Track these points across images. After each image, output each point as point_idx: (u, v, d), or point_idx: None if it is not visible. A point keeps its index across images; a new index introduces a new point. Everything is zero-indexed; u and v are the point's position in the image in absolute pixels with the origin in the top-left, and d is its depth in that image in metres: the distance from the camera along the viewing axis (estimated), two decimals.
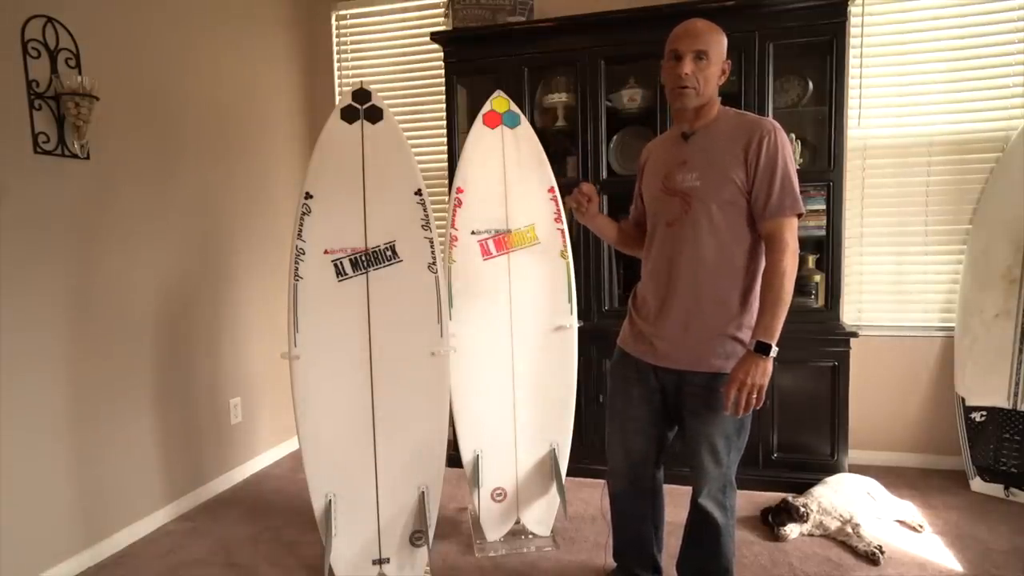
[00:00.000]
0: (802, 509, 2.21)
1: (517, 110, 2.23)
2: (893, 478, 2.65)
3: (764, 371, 1.42)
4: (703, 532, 1.66)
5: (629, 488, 1.78)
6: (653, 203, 1.64)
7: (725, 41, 1.52)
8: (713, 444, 1.57)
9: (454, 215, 2.18)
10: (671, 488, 1.69)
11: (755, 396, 1.43)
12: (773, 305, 1.45)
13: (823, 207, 2.53)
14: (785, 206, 1.46)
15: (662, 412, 1.68)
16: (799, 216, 1.49)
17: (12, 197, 1.91)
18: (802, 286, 2.64)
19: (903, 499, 2.44)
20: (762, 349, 1.42)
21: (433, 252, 1.95)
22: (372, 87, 1.94)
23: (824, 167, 2.54)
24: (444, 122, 2.93)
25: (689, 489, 1.67)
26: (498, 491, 2.24)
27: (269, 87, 3.12)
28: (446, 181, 3.01)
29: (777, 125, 1.50)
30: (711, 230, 1.51)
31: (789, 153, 1.48)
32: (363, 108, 1.93)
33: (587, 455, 2.58)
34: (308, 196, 1.88)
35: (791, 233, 1.47)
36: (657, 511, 1.81)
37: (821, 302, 2.60)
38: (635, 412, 1.70)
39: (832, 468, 2.55)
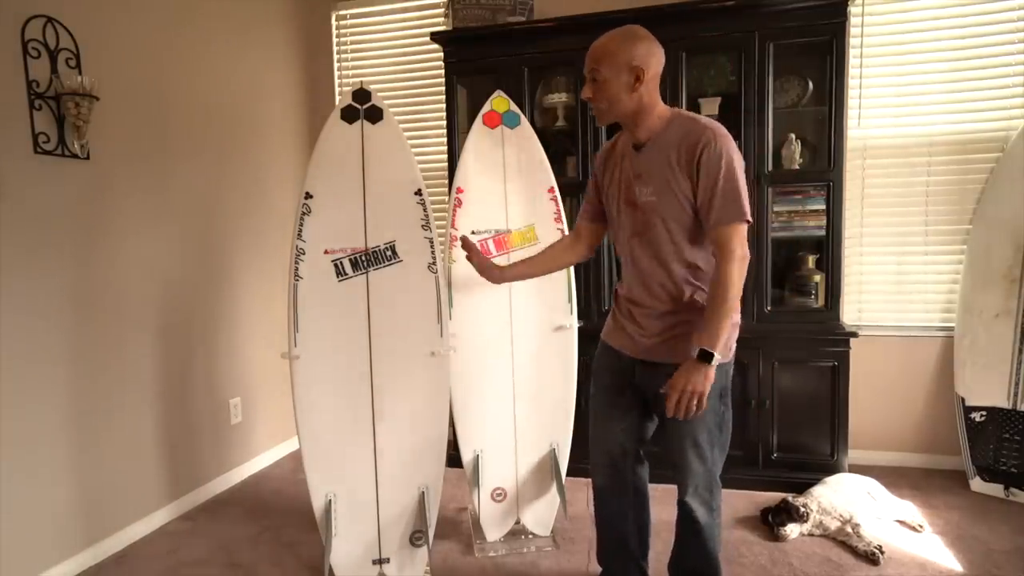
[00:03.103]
0: (802, 509, 2.21)
1: (517, 110, 2.23)
2: (893, 478, 2.65)
3: (706, 378, 1.42)
4: (688, 532, 1.67)
5: (611, 484, 1.79)
6: (618, 215, 1.64)
7: (629, 47, 1.47)
8: (696, 439, 1.57)
9: (454, 215, 2.18)
10: (665, 488, 1.69)
11: (695, 403, 1.43)
12: (716, 312, 1.43)
13: (823, 207, 2.53)
14: (727, 214, 1.43)
15: (641, 404, 1.69)
16: (747, 223, 1.45)
17: (12, 197, 1.91)
18: (802, 286, 2.65)
19: (903, 499, 2.44)
20: (705, 357, 1.42)
21: (433, 252, 1.95)
22: (372, 87, 1.94)
23: (824, 167, 2.54)
24: (444, 122, 2.93)
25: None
26: (498, 491, 2.24)
27: (269, 87, 3.12)
28: (446, 181, 3.01)
29: (720, 131, 1.45)
30: (671, 240, 1.53)
31: (733, 159, 1.44)
32: (363, 108, 1.93)
33: (587, 455, 2.56)
34: (308, 196, 1.88)
35: (738, 240, 1.44)
36: (640, 511, 1.80)
37: (821, 302, 2.60)
38: (615, 405, 1.71)
39: (832, 468, 2.55)
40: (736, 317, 1.55)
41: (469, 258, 1.84)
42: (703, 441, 1.57)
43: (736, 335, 1.59)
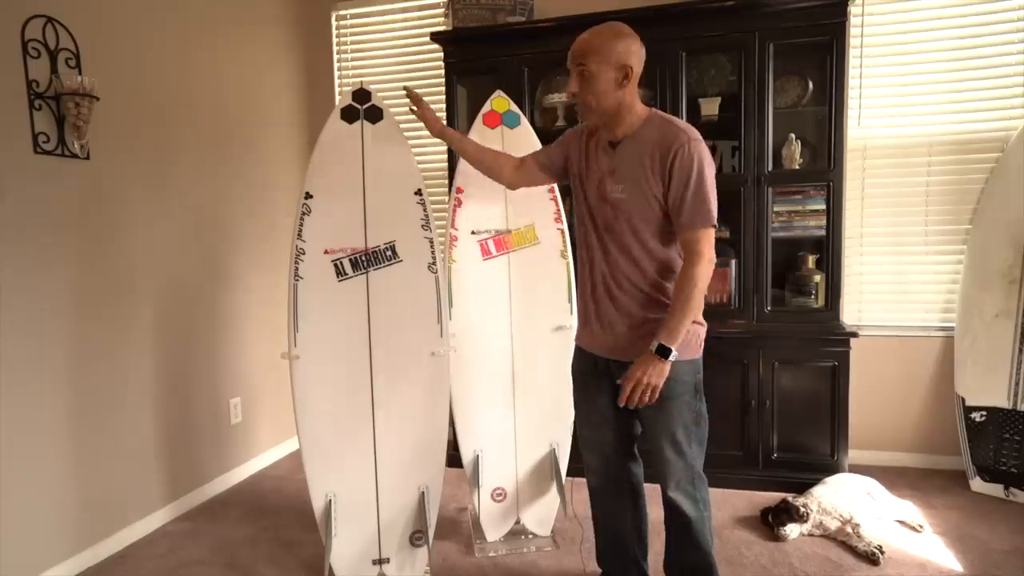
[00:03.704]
0: (802, 509, 2.21)
1: (517, 110, 2.24)
2: (893, 478, 2.65)
3: (661, 372, 1.46)
4: (677, 528, 1.67)
5: (605, 484, 1.80)
6: (588, 207, 1.65)
7: (618, 44, 1.49)
8: (673, 434, 1.58)
9: (454, 215, 2.18)
10: (652, 487, 1.70)
11: (647, 395, 1.47)
12: (680, 311, 1.47)
13: (823, 207, 2.54)
14: (697, 218, 1.47)
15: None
16: (714, 227, 1.49)
17: (12, 197, 1.91)
18: (802, 286, 2.65)
19: (903, 499, 2.44)
20: (662, 352, 1.45)
21: (433, 252, 1.96)
22: (372, 87, 1.95)
23: (824, 167, 2.54)
24: (444, 122, 2.93)
25: None
26: (498, 491, 2.24)
27: (269, 87, 3.12)
28: (446, 181, 3.01)
29: (695, 136, 1.49)
30: (639, 238, 1.55)
31: (705, 164, 1.47)
32: (363, 108, 1.93)
33: None
34: (308, 196, 1.88)
35: (706, 243, 1.48)
36: (637, 511, 1.81)
37: (821, 302, 2.60)
38: (599, 406, 1.72)
39: (832, 468, 2.55)
40: (701, 318, 1.57)
41: (414, 109, 1.86)
42: (680, 436, 1.59)
43: (704, 333, 1.61)
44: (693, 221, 1.48)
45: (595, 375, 1.70)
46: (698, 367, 1.60)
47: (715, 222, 1.50)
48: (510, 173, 1.85)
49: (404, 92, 1.88)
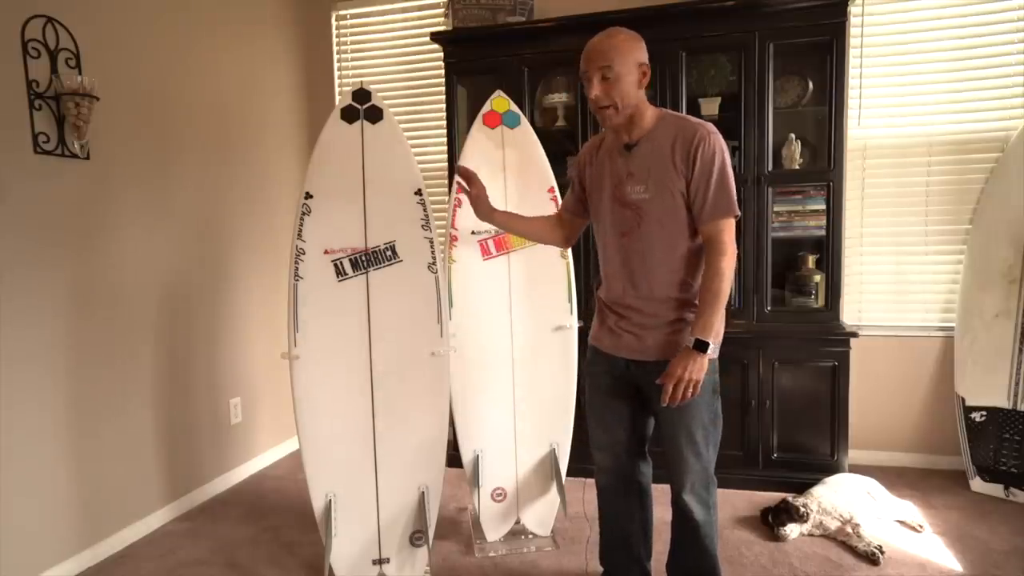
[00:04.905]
0: (802, 509, 2.21)
1: (517, 110, 2.23)
2: (893, 478, 2.65)
3: (700, 367, 1.47)
4: (685, 531, 1.67)
5: (615, 483, 1.80)
6: (605, 214, 1.65)
7: (637, 45, 1.51)
8: (692, 435, 1.58)
9: (454, 215, 2.18)
10: (665, 488, 1.70)
11: (690, 390, 1.47)
12: (711, 304, 1.48)
13: (823, 207, 2.53)
14: (720, 209, 1.49)
15: (638, 403, 1.69)
16: (736, 218, 1.52)
17: (12, 197, 1.91)
18: (802, 286, 2.65)
19: (903, 499, 2.44)
20: (700, 346, 1.46)
21: (433, 252, 1.96)
22: (372, 87, 1.95)
23: (824, 167, 2.54)
24: (444, 122, 2.93)
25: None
26: (498, 491, 2.24)
27: (269, 87, 3.12)
28: (446, 181, 3.01)
29: (712, 128, 1.51)
30: (663, 238, 1.55)
31: (725, 157, 1.50)
32: (363, 108, 1.93)
33: (587, 455, 2.56)
34: (308, 196, 1.88)
35: (728, 235, 1.50)
36: (644, 511, 1.81)
37: (821, 302, 2.60)
38: (613, 406, 1.72)
39: (832, 468, 2.55)
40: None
41: (467, 188, 1.85)
42: (699, 437, 1.58)
43: (722, 332, 1.60)
44: (716, 211, 1.49)
45: (612, 376, 1.69)
46: (715, 367, 1.59)
47: (737, 212, 1.51)
48: (555, 235, 1.89)
49: (460, 172, 1.87)
